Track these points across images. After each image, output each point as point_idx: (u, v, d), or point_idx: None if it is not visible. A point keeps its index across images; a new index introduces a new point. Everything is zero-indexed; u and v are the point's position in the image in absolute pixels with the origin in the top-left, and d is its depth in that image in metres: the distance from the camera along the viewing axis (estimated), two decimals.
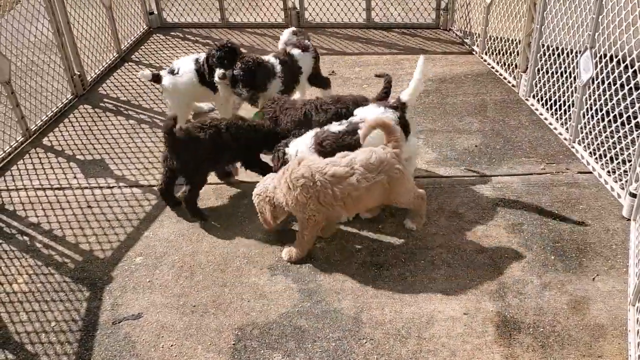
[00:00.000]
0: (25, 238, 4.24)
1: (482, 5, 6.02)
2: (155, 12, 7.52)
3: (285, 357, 3.26)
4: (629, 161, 4.11)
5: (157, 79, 5.05)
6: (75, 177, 4.86)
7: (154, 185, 4.69)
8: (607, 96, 4.26)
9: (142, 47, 7.09)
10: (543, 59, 5.12)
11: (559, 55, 4.85)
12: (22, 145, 5.28)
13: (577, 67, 4.54)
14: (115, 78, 6.40)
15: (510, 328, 3.36)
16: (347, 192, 3.65)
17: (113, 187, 4.72)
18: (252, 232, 4.17)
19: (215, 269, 3.89)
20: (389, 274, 3.77)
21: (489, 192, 4.41)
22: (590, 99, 4.47)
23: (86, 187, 4.73)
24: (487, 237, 4.01)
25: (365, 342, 3.33)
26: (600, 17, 4.18)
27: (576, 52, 4.57)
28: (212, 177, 4.72)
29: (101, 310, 3.64)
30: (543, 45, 5.09)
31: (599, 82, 4.33)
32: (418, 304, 3.56)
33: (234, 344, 3.36)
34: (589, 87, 4.45)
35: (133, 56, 6.87)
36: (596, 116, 4.43)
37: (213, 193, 4.57)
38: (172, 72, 5.05)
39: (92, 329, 3.51)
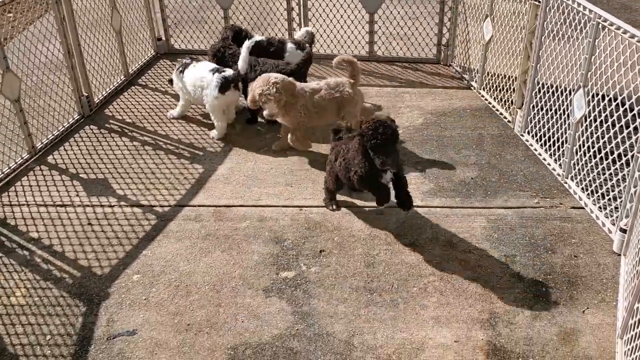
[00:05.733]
0: (25, 252, 4.31)
1: (481, 43, 6.20)
2: (164, 39, 7.71)
3: None
4: (620, 198, 4.20)
5: None
6: (77, 195, 4.95)
7: (154, 206, 4.78)
8: (599, 133, 4.38)
9: (149, 71, 7.25)
10: (538, 96, 5.26)
11: (553, 93, 4.99)
12: (28, 162, 5.38)
13: (570, 105, 4.67)
14: (121, 100, 6.54)
15: (500, 357, 3.40)
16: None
17: (114, 205, 4.81)
18: (249, 254, 4.24)
19: (210, 289, 3.95)
20: (381, 300, 3.83)
21: (483, 224, 4.49)
22: (582, 136, 4.59)
23: (87, 205, 4.81)
24: (479, 267, 4.08)
25: None
26: (593, 57, 4.32)
27: (570, 90, 4.71)
28: (213, 200, 4.83)
29: (96, 325, 3.68)
30: (538, 83, 5.24)
31: (591, 120, 4.45)
32: (409, 330, 3.61)
33: None
34: (582, 125, 4.58)
35: (140, 80, 7.03)
36: (588, 153, 4.54)
37: (212, 215, 4.65)
38: None
39: (87, 343, 3.56)
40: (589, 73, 4.39)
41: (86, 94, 6.16)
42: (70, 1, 5.75)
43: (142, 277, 4.06)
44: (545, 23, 4.95)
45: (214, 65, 5.73)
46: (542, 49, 5.07)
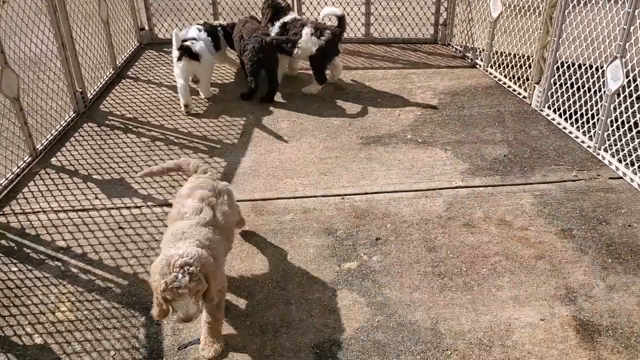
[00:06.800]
0: (58, 263, 3.93)
1: (488, 20, 6.17)
2: (147, 28, 7.29)
3: None
4: None
5: None
6: (97, 198, 4.57)
7: None
8: (638, 105, 4.42)
9: (137, 63, 6.83)
10: (560, 70, 5.27)
11: (579, 66, 5.01)
12: (30, 166, 4.94)
13: (602, 77, 4.70)
14: (115, 95, 6.13)
15: (591, 331, 3.37)
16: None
17: (141, 206, 4.47)
18: (304, 247, 4.04)
19: (275, 286, 3.73)
20: (453, 284, 3.73)
21: (530, 200, 4.47)
22: (619, 107, 4.62)
23: (112, 208, 4.46)
24: (541, 243, 4.04)
25: (451, 354, 3.26)
26: (632, 27, 4.35)
27: (599, 65, 4.73)
28: (246, 194, 4.58)
29: (162, 335, 3.40)
30: (560, 57, 5.25)
31: (631, 90, 4.48)
32: (492, 312, 3.52)
33: None
34: (618, 96, 4.61)
35: (129, 72, 6.61)
36: (627, 124, 4.58)
37: (251, 210, 4.41)
38: None
39: (158, 356, 3.27)
40: (627, 44, 4.41)
41: (80, 90, 5.72)
42: None
43: None
44: None
45: (189, 36, 5.81)
46: (565, 22, 5.08)
